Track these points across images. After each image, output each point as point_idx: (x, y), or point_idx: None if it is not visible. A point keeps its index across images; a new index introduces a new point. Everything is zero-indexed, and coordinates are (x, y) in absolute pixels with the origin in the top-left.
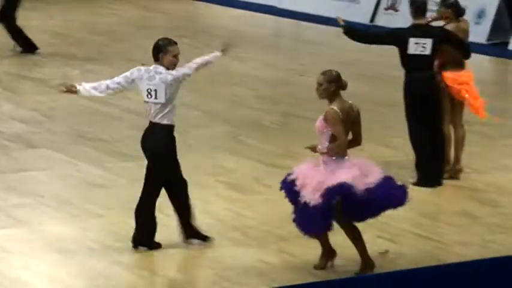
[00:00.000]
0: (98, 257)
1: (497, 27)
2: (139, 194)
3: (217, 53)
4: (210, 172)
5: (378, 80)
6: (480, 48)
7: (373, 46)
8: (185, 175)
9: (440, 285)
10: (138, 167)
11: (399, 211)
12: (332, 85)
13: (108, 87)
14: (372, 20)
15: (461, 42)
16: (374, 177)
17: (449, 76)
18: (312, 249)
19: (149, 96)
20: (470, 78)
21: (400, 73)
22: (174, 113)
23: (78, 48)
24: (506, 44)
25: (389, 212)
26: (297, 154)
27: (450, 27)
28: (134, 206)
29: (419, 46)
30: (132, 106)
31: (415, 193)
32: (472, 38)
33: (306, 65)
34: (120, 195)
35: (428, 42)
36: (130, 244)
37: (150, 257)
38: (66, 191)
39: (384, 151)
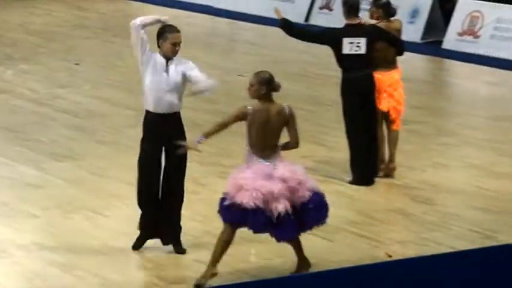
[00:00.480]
0: (34, 257)
1: (431, 26)
2: (74, 194)
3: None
4: None
5: (312, 80)
6: (414, 47)
7: (310, 46)
8: (119, 176)
9: (376, 284)
10: (74, 167)
11: (334, 209)
12: (263, 88)
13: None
14: (306, 20)
15: (395, 39)
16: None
17: (377, 77)
18: (248, 247)
19: None
20: (395, 81)
21: (335, 73)
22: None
23: (12, 48)
24: (440, 42)
25: None
26: (233, 153)
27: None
28: (70, 206)
29: (354, 45)
30: (67, 106)
31: (351, 191)
32: (406, 37)
33: (242, 64)
34: (56, 196)
35: (362, 41)
36: (66, 244)
37: (86, 257)
38: (1, 191)
39: (318, 150)
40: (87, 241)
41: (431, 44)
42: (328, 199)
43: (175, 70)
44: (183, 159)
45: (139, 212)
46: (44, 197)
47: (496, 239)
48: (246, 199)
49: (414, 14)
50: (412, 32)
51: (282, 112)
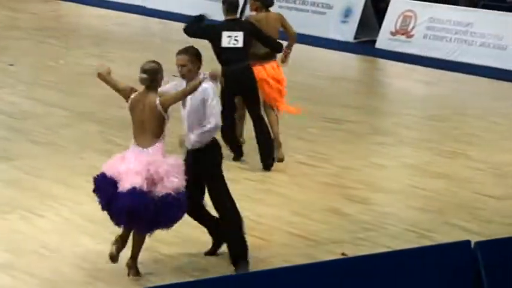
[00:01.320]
0: None
1: (364, 26)
2: (10, 194)
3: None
4: (80, 172)
5: None
6: (347, 47)
7: None
8: (55, 176)
9: (313, 284)
10: (9, 167)
11: (269, 208)
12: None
13: None
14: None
15: (267, 40)
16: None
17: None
18: (184, 248)
19: None
20: (270, 73)
21: None
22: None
23: None
24: (373, 42)
25: (258, 210)
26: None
27: (259, 17)
28: (6, 206)
29: (232, 39)
30: (1, 106)
31: (286, 191)
32: (339, 37)
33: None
34: None
35: (240, 35)
36: (3, 245)
37: (23, 257)
38: None
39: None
40: (23, 241)
41: (365, 43)
42: (264, 198)
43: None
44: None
45: (74, 211)
46: None
47: (431, 238)
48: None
49: (347, 13)
50: (345, 32)
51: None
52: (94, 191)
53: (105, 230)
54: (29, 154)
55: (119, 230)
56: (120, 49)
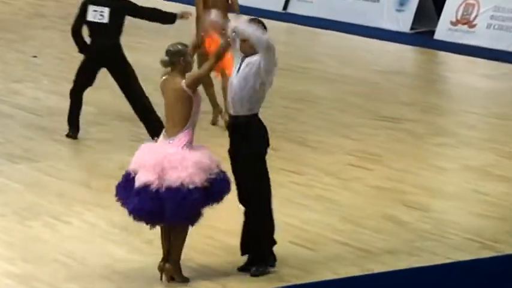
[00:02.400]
0: None
1: (421, 15)
2: (33, 199)
3: None
4: (108, 174)
5: (293, 74)
6: (403, 38)
7: (290, 36)
8: (80, 179)
9: None
10: (30, 169)
11: (316, 215)
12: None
13: None
14: (284, 8)
15: (150, 14)
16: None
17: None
18: (218, 257)
19: None
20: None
21: (318, 65)
22: None
23: None
24: (432, 33)
25: (304, 216)
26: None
27: None
28: (28, 212)
29: (98, 14)
30: (24, 102)
31: (335, 196)
32: (394, 27)
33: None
34: (12, 201)
35: (105, 11)
36: (25, 254)
37: (46, 268)
38: None
39: (302, 150)
40: (46, 250)
41: (422, 34)
42: (311, 204)
43: None
44: None
45: (101, 217)
46: (0, 203)
47: (496, 248)
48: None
49: (403, 1)
50: (400, 21)
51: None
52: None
53: (136, 237)
54: (52, 154)
55: (149, 237)
56: (150, 38)
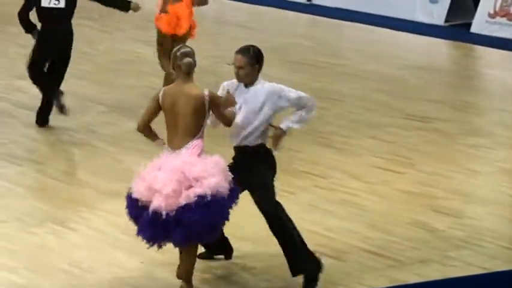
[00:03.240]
0: None
1: (457, 6)
2: (37, 204)
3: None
4: (119, 178)
5: (315, 69)
6: (437, 31)
7: (311, 30)
8: (89, 182)
9: None
10: (35, 172)
11: (342, 222)
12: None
13: None
14: None
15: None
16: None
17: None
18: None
19: None
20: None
21: (340, 60)
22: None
23: None
24: (468, 25)
25: (330, 224)
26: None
27: None
28: (31, 218)
29: None
30: (28, 101)
31: (362, 201)
32: (427, 19)
33: (232, 51)
34: (15, 206)
35: None
36: (28, 263)
37: (51, 278)
38: None
39: (327, 152)
40: (51, 259)
41: (458, 27)
42: (337, 210)
43: None
44: None
45: (111, 224)
46: (1, 208)
47: None
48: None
49: None
50: (434, 13)
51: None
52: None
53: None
54: (59, 157)
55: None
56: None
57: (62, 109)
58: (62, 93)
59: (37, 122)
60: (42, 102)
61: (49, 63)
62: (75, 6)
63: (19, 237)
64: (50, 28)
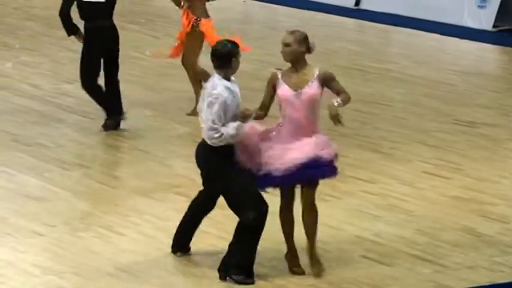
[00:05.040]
0: (37, 283)
1: (505, 11)
2: (84, 208)
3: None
4: (167, 182)
5: (365, 74)
6: (485, 36)
7: (360, 35)
8: (136, 187)
9: None
10: (82, 176)
11: (390, 227)
12: (302, 46)
13: None
14: (356, 4)
15: None
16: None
17: (206, 24)
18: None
19: None
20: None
21: (390, 65)
22: None
23: (11, 36)
24: None
25: (376, 229)
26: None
27: None
28: (79, 222)
29: None
30: (75, 105)
31: (410, 206)
32: (475, 24)
33: (280, 56)
34: (62, 210)
35: None
36: (76, 267)
37: (98, 282)
38: None
39: (374, 158)
40: (99, 263)
41: (506, 32)
42: (384, 215)
43: None
44: None
45: (160, 229)
46: (49, 212)
47: None
48: None
49: None
50: (482, 18)
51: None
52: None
53: (195, 249)
54: (106, 161)
55: (208, 249)
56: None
57: (116, 126)
58: (123, 113)
59: (107, 126)
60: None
61: (103, 68)
62: (115, 1)
63: (66, 241)
64: (93, 25)
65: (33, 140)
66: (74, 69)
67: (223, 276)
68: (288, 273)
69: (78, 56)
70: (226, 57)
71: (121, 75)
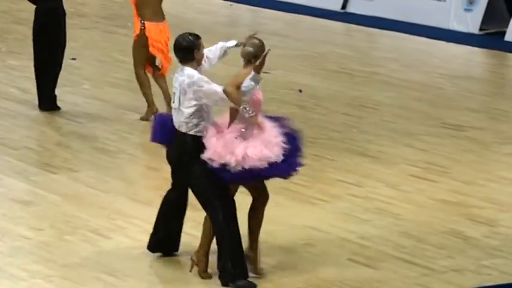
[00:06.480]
0: (24, 287)
1: (491, 15)
2: (71, 212)
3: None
4: (154, 186)
5: (352, 78)
6: (471, 39)
7: (348, 38)
8: (124, 190)
9: None
10: (69, 180)
11: (377, 230)
12: None
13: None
14: (343, 7)
15: None
16: None
17: (152, 27)
18: None
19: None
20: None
21: (378, 69)
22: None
23: None
24: (503, 34)
25: (363, 232)
26: None
27: None
28: (66, 225)
29: None
30: (62, 108)
31: (396, 210)
32: (462, 27)
33: (268, 60)
34: (50, 214)
35: None
36: (63, 271)
37: (86, 286)
38: None
39: (362, 161)
40: (86, 267)
41: (492, 35)
42: (371, 219)
43: None
44: None
45: (147, 232)
46: (36, 215)
47: None
48: None
49: (472, 0)
50: (469, 22)
51: None
52: None
53: (183, 253)
54: (93, 164)
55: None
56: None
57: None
58: None
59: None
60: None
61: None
62: None
63: (54, 245)
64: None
65: (20, 143)
66: (61, 74)
67: (224, 283)
68: (277, 274)
69: (65, 59)
70: (187, 50)
71: (108, 79)
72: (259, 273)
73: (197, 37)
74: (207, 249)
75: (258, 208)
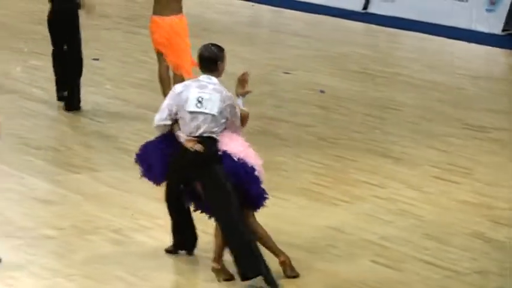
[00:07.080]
0: (45, 285)
1: None
2: (93, 211)
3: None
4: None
5: (374, 79)
6: (494, 40)
7: (369, 38)
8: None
9: None
10: (92, 179)
11: (399, 231)
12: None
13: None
14: (365, 8)
15: None
16: None
17: (153, 22)
18: None
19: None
20: (180, 28)
21: (400, 69)
22: None
23: (20, 40)
24: None
25: (386, 233)
26: (281, 165)
27: None
28: (88, 225)
29: None
30: (84, 108)
31: (419, 211)
32: (484, 28)
33: (288, 60)
34: (72, 213)
35: None
36: (84, 270)
37: (108, 287)
38: (7, 208)
39: (385, 162)
40: (108, 267)
41: None
42: (394, 220)
43: None
44: None
45: (169, 232)
46: (58, 215)
47: None
48: None
49: (494, 0)
50: (491, 22)
51: None
52: None
53: (201, 252)
54: (114, 164)
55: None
56: (222, 41)
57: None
58: None
59: None
60: None
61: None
62: None
63: (76, 244)
64: (56, 7)
65: (42, 143)
66: (83, 74)
67: (244, 279)
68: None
69: (87, 59)
70: (210, 61)
71: (130, 79)
72: (296, 274)
73: (221, 49)
74: (221, 253)
75: (250, 223)
